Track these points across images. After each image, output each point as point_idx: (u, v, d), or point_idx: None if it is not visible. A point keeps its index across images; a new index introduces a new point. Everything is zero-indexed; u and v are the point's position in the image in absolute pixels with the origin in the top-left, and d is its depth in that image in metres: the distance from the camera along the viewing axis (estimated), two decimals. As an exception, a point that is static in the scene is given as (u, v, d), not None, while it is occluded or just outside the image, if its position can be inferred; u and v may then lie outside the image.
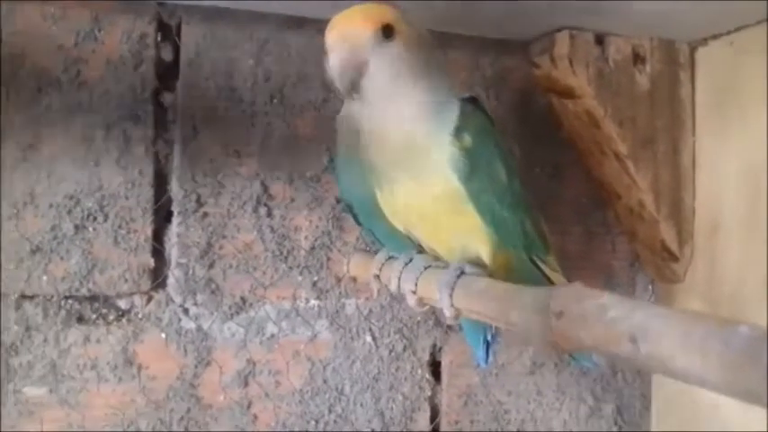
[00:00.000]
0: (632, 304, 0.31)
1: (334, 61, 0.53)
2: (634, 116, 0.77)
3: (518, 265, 0.55)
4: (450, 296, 0.48)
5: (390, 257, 0.66)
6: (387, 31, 0.51)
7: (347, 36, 0.52)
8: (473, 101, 0.54)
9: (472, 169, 0.51)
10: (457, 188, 0.51)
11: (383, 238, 0.67)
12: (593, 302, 0.33)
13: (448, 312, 0.49)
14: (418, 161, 0.51)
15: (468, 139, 0.51)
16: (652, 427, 0.93)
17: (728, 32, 0.76)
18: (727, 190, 0.78)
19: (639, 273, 0.92)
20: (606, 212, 0.90)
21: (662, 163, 0.78)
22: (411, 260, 0.58)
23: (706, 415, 0.83)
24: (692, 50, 0.81)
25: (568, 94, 0.77)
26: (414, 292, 0.56)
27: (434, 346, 0.88)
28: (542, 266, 0.56)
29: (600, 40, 0.76)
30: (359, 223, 0.72)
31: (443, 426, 0.88)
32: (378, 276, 0.66)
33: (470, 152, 0.51)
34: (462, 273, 0.50)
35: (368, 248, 0.81)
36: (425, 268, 0.55)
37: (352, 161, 0.64)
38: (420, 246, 0.59)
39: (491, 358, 0.68)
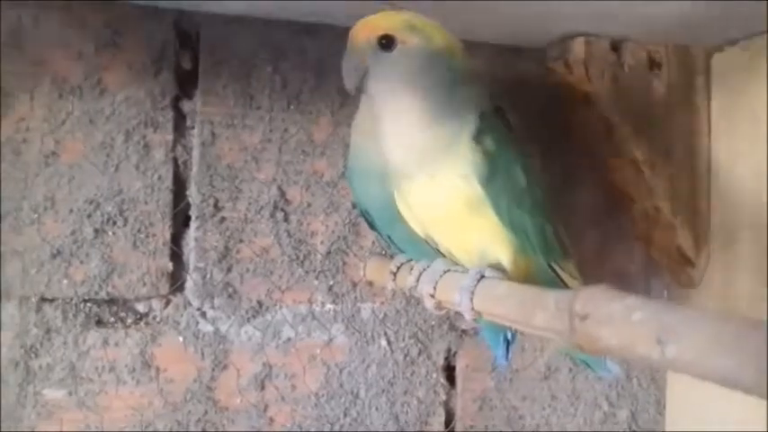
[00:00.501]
0: (658, 306, 0.31)
1: (343, 62, 0.58)
2: (650, 122, 0.77)
3: (537, 271, 0.55)
4: (471, 299, 0.49)
5: (408, 261, 0.67)
6: (386, 42, 0.54)
7: (352, 42, 0.57)
8: (497, 110, 0.55)
9: (492, 173, 0.52)
10: (477, 191, 0.52)
11: (401, 243, 0.67)
12: (619, 304, 0.33)
13: (468, 315, 0.50)
14: (438, 163, 0.52)
15: (487, 144, 0.52)
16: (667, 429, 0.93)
17: (744, 38, 0.76)
18: (743, 196, 0.78)
19: (654, 278, 0.92)
20: (621, 218, 0.90)
21: (678, 169, 0.78)
22: (430, 265, 0.59)
23: (720, 420, 0.83)
24: (708, 56, 0.82)
25: (584, 99, 0.77)
26: (432, 296, 0.56)
27: (449, 350, 0.88)
28: (561, 273, 0.56)
29: (615, 46, 0.77)
30: (374, 229, 0.73)
31: (458, 430, 0.88)
32: (394, 276, 0.66)
33: (491, 156, 0.52)
34: (482, 277, 0.50)
35: (383, 253, 0.82)
36: (444, 272, 0.56)
37: (369, 167, 0.65)
38: (439, 251, 0.60)
39: (510, 356, 0.68)
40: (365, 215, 0.71)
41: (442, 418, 0.87)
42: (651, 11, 0.72)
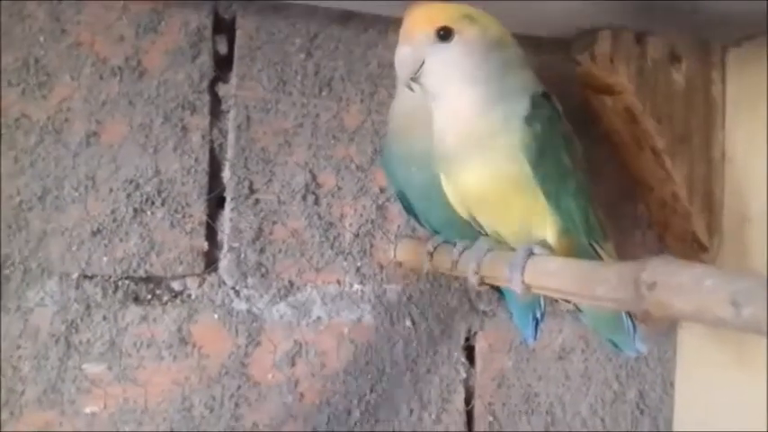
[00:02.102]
0: (728, 272, 0.35)
1: (397, 55, 0.58)
2: (670, 113, 0.81)
3: (579, 250, 0.58)
4: (522, 274, 0.52)
5: (444, 242, 0.70)
6: (444, 33, 0.56)
7: (408, 33, 0.57)
8: (545, 95, 0.58)
9: (541, 155, 0.55)
10: (527, 172, 0.55)
11: (439, 225, 0.70)
12: (689, 272, 0.36)
13: (519, 289, 0.53)
14: (489, 147, 0.55)
15: (538, 127, 0.55)
16: (675, 411, 0.97)
17: (760, 35, 0.80)
18: (756, 184, 0.82)
19: (666, 263, 0.96)
20: (637, 205, 0.93)
21: (696, 158, 0.82)
22: (471, 244, 0.62)
23: (729, 401, 0.87)
24: (724, 51, 0.85)
25: (608, 90, 0.81)
26: (476, 272, 0.59)
27: (469, 330, 0.91)
28: (600, 252, 0.59)
29: (639, 39, 0.80)
30: (410, 212, 0.75)
31: (477, 407, 0.91)
32: (431, 256, 0.69)
33: (540, 139, 0.55)
34: (532, 253, 0.53)
35: (412, 236, 0.85)
36: (488, 250, 0.59)
37: (411, 152, 0.68)
38: (481, 233, 0.63)
39: (539, 335, 0.72)
40: (402, 199, 0.74)
41: (462, 396, 0.90)
42: (674, 5, 0.75)
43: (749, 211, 0.83)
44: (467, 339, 0.91)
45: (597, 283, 0.43)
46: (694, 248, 0.85)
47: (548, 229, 0.57)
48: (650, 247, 0.95)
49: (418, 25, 0.56)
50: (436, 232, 0.72)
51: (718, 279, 0.35)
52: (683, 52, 0.82)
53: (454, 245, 0.65)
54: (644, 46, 0.80)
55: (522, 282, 0.52)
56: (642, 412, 0.99)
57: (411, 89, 0.58)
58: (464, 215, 0.62)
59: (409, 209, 0.74)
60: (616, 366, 0.98)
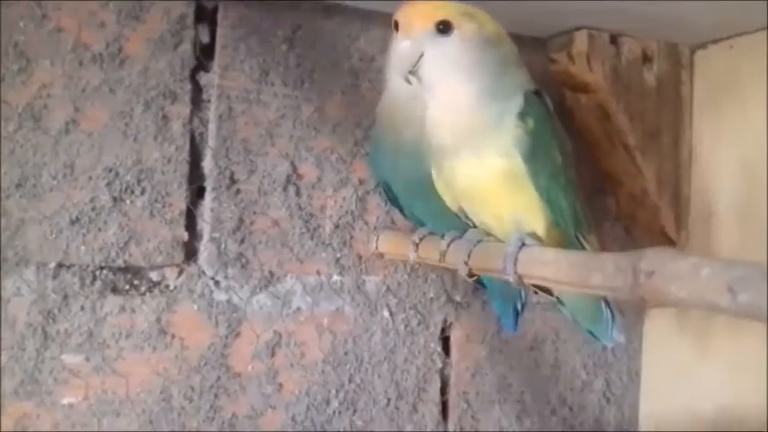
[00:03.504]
0: (724, 261, 0.37)
1: (395, 48, 0.59)
2: (642, 111, 0.84)
3: (565, 242, 0.60)
4: (515, 264, 0.54)
5: (430, 233, 0.71)
6: (444, 27, 0.57)
7: (407, 27, 0.59)
8: (537, 92, 0.60)
9: (533, 150, 0.56)
10: (519, 166, 0.57)
11: (426, 217, 0.71)
12: (685, 261, 0.38)
13: (512, 279, 0.55)
14: (484, 141, 0.57)
15: (531, 123, 0.57)
16: (641, 399, 1.01)
17: (728, 37, 0.84)
18: (721, 180, 0.86)
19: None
20: (606, 199, 0.97)
21: (665, 155, 0.86)
22: (460, 235, 0.63)
23: (693, 389, 0.91)
24: (692, 53, 0.89)
25: (583, 88, 0.83)
26: (466, 263, 0.61)
27: (445, 321, 0.93)
28: (585, 244, 0.62)
29: (614, 39, 0.83)
30: (395, 205, 0.76)
31: (452, 396, 0.93)
32: (416, 246, 0.70)
33: (533, 134, 0.56)
34: (523, 244, 0.55)
35: (393, 227, 0.86)
36: (478, 242, 0.61)
37: (400, 145, 0.69)
38: (469, 224, 0.65)
39: (519, 325, 0.74)
40: (387, 191, 0.75)
41: (438, 385, 0.92)
42: (645, 8, 0.78)
43: (715, 206, 0.87)
44: (443, 330, 0.93)
45: (593, 272, 0.45)
46: (662, 242, 0.89)
47: (537, 221, 0.58)
48: (618, 239, 0.99)
49: (418, 19, 0.58)
50: (421, 224, 0.74)
51: (715, 267, 0.37)
52: (654, 53, 0.85)
53: (442, 236, 0.67)
54: (618, 46, 0.83)
55: (515, 272, 0.54)
56: (608, 400, 1.02)
57: (408, 82, 0.59)
58: (453, 207, 0.64)
59: (394, 201, 0.76)
60: (584, 356, 1.01)
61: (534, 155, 0.56)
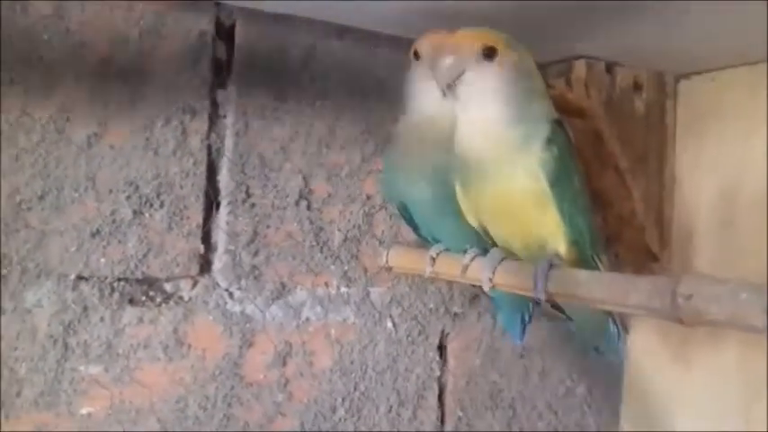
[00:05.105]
0: (761, 287, 0.42)
1: (439, 63, 0.63)
2: (632, 136, 0.90)
3: (583, 261, 0.65)
4: (545, 283, 0.58)
5: (445, 250, 0.75)
6: (489, 52, 0.61)
7: (454, 46, 0.63)
8: (559, 122, 0.65)
9: (557, 173, 0.61)
10: (544, 189, 0.61)
11: (444, 235, 0.75)
12: (722, 286, 0.44)
13: (543, 297, 0.59)
14: (512, 162, 0.61)
15: (555, 150, 0.62)
16: (622, 406, 1.07)
17: (711, 70, 0.91)
18: (702, 202, 0.93)
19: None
20: (595, 218, 1.03)
21: (651, 177, 0.92)
22: (481, 253, 0.68)
23: (675, 395, 0.98)
24: (677, 82, 0.96)
25: (579, 113, 0.89)
26: (490, 279, 0.65)
27: (443, 331, 0.97)
28: (599, 264, 0.67)
29: (609, 68, 0.89)
30: (410, 223, 0.80)
31: (448, 403, 0.97)
32: (433, 261, 0.74)
33: (558, 160, 0.61)
34: (552, 265, 0.60)
35: (402, 242, 0.90)
36: (502, 259, 0.65)
37: (420, 166, 0.73)
38: (488, 243, 0.69)
39: (526, 336, 0.79)
40: (403, 210, 0.78)
41: (436, 392, 0.96)
42: (637, 39, 0.84)
43: (695, 227, 0.94)
44: (440, 339, 0.97)
45: (631, 293, 0.49)
46: (647, 260, 0.95)
47: (560, 241, 0.63)
48: (604, 255, 1.05)
49: (466, 40, 0.62)
50: (436, 242, 0.77)
51: (753, 294, 0.42)
52: (644, 82, 0.92)
53: (464, 252, 0.71)
54: (613, 75, 0.89)
55: (546, 290, 0.58)
56: (590, 407, 1.09)
57: (444, 95, 0.63)
58: (475, 225, 0.68)
59: (409, 220, 0.79)
60: (567, 364, 1.07)
61: (558, 178, 0.61)
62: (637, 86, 0.92)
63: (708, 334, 0.92)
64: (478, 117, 0.62)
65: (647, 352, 1.01)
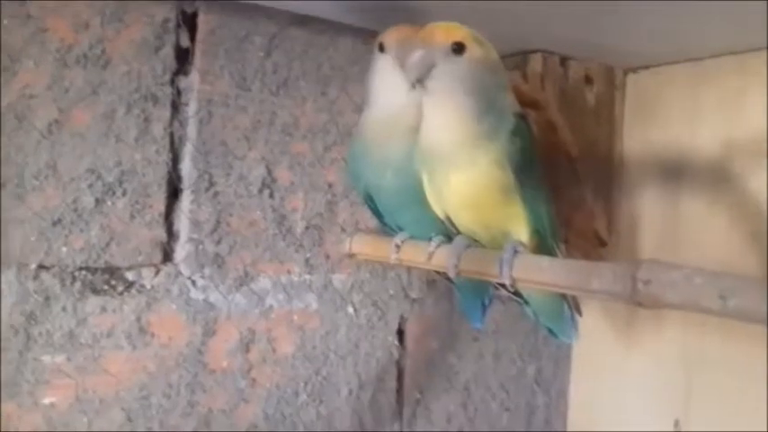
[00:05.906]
0: (714, 273, 0.46)
1: (409, 57, 0.65)
2: (583, 126, 0.94)
3: (543, 248, 0.69)
4: (510, 269, 0.61)
5: (409, 238, 0.77)
6: (458, 47, 0.64)
7: (425, 40, 0.65)
8: (522, 115, 0.68)
9: (521, 165, 0.64)
10: (509, 178, 0.64)
11: (409, 224, 0.77)
12: (678, 272, 0.47)
13: (508, 282, 0.62)
14: (478, 152, 0.64)
15: (519, 142, 0.64)
16: (570, 384, 1.12)
17: (656, 65, 0.96)
18: (647, 189, 0.98)
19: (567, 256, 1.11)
20: (545, 205, 1.07)
21: (600, 165, 0.96)
22: (446, 240, 0.70)
23: (620, 373, 1.04)
24: (625, 75, 1.01)
25: (533, 105, 0.92)
26: (456, 266, 0.68)
27: (401, 316, 1.00)
28: (557, 251, 0.70)
29: (563, 62, 0.92)
30: (375, 213, 0.82)
31: (407, 385, 1.00)
32: (398, 247, 0.76)
33: (522, 152, 0.64)
34: (516, 251, 0.63)
35: (364, 230, 0.92)
36: (467, 247, 0.68)
37: (386, 158, 0.74)
38: (452, 232, 0.71)
39: (485, 319, 0.82)
40: (368, 200, 0.80)
41: (395, 375, 0.99)
42: (589, 34, 0.87)
43: (640, 212, 0.99)
44: (399, 324, 1.00)
45: (593, 278, 0.53)
46: (594, 244, 1.00)
47: (522, 229, 0.66)
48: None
49: (437, 35, 0.64)
50: (401, 229, 0.79)
51: (707, 278, 0.45)
52: (594, 75, 0.96)
53: (429, 240, 0.73)
54: (566, 68, 0.93)
55: (511, 276, 0.61)
56: (539, 385, 1.13)
57: (414, 87, 0.65)
58: (440, 214, 0.70)
59: (374, 209, 0.81)
60: (519, 346, 1.11)
61: (522, 169, 0.64)
62: (588, 79, 0.96)
63: (651, 315, 0.97)
64: (447, 110, 0.64)
65: (594, 332, 1.05)
